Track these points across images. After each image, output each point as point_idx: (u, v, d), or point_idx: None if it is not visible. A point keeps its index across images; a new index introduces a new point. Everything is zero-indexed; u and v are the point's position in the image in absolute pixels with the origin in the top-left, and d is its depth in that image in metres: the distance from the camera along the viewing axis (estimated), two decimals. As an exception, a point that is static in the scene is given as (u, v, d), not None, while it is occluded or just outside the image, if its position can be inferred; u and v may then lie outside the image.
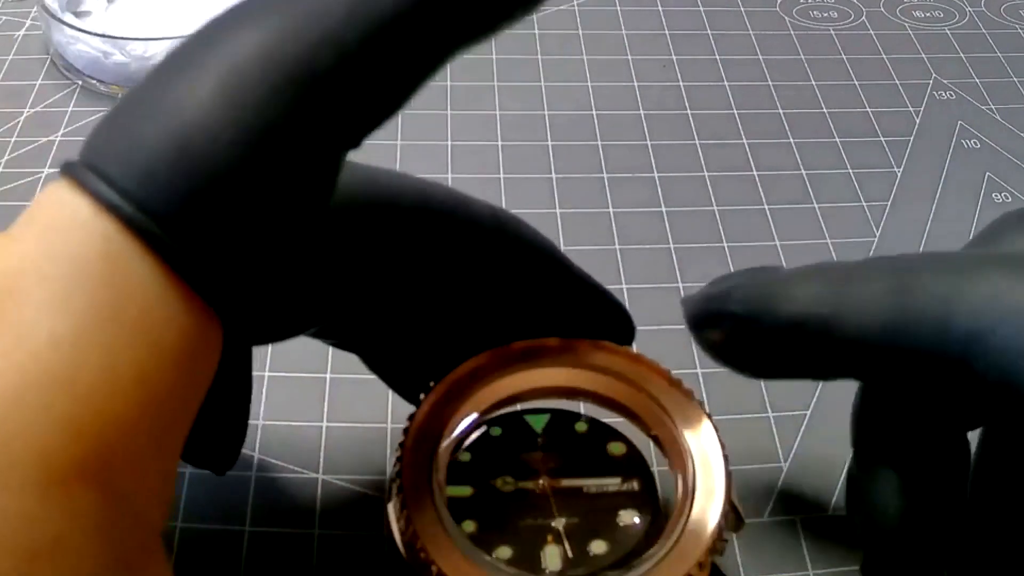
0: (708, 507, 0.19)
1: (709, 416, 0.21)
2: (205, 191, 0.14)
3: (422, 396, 0.21)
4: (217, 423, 0.22)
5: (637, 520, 0.20)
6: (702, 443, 0.21)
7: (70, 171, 0.14)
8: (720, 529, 0.19)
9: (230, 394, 0.22)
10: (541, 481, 0.21)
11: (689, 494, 0.20)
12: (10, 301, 0.13)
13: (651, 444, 0.22)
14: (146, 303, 0.14)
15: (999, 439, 0.22)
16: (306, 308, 0.21)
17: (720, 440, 0.21)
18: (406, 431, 0.20)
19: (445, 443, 0.21)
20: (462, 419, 0.21)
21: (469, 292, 0.22)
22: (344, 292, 0.21)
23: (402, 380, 0.24)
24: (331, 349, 0.28)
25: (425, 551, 0.18)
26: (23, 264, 0.14)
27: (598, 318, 0.23)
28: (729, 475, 0.20)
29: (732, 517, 0.20)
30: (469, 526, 0.20)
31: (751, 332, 0.20)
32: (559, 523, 0.20)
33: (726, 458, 0.20)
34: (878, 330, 0.19)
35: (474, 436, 0.22)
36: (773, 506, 0.26)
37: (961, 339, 0.18)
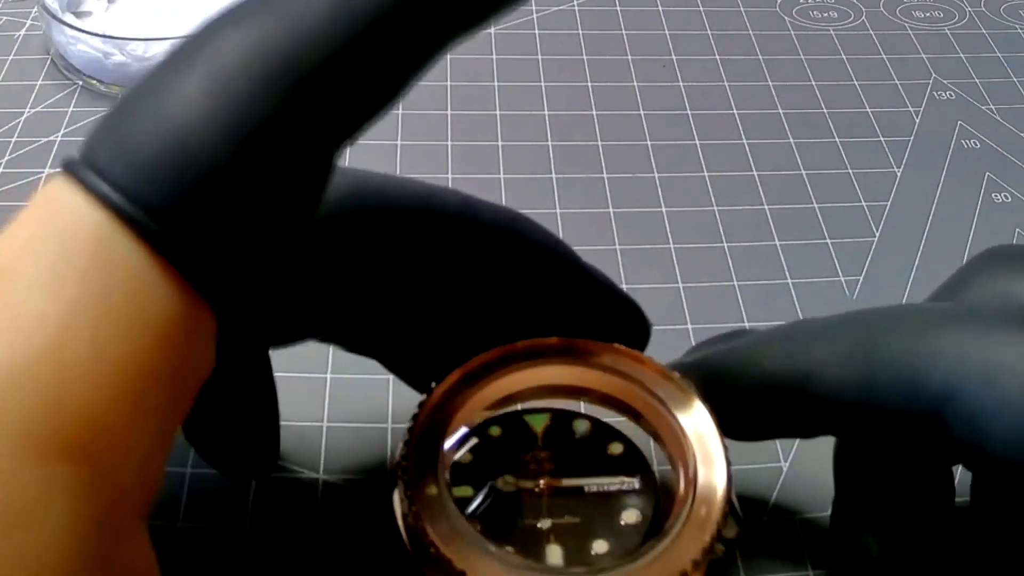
0: (708, 506, 0.19)
1: (713, 416, 0.21)
2: (194, 185, 0.15)
3: (433, 385, 0.21)
4: (245, 427, 0.22)
5: (637, 519, 0.20)
6: (705, 442, 0.20)
7: (67, 168, 0.15)
8: (718, 529, 0.19)
9: (253, 398, 0.22)
10: (541, 481, 0.21)
11: (690, 492, 0.20)
12: (4, 282, 0.14)
13: (651, 443, 0.22)
14: (134, 288, 0.14)
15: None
16: (311, 310, 0.21)
17: (723, 440, 0.20)
18: (414, 418, 0.20)
19: (449, 436, 0.20)
20: (466, 415, 0.21)
21: (477, 292, 0.22)
22: (348, 295, 0.21)
23: (412, 373, 0.24)
24: (332, 348, 0.28)
25: (426, 534, 0.18)
26: (19, 250, 0.14)
27: (612, 318, 0.23)
28: (730, 476, 0.20)
29: (731, 520, 0.20)
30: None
31: (727, 399, 0.21)
32: (560, 523, 0.20)
33: (727, 458, 0.20)
34: (850, 390, 0.19)
35: (474, 438, 0.22)
36: (773, 506, 0.26)
37: (931, 400, 0.18)
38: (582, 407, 0.23)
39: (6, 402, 0.13)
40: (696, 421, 0.21)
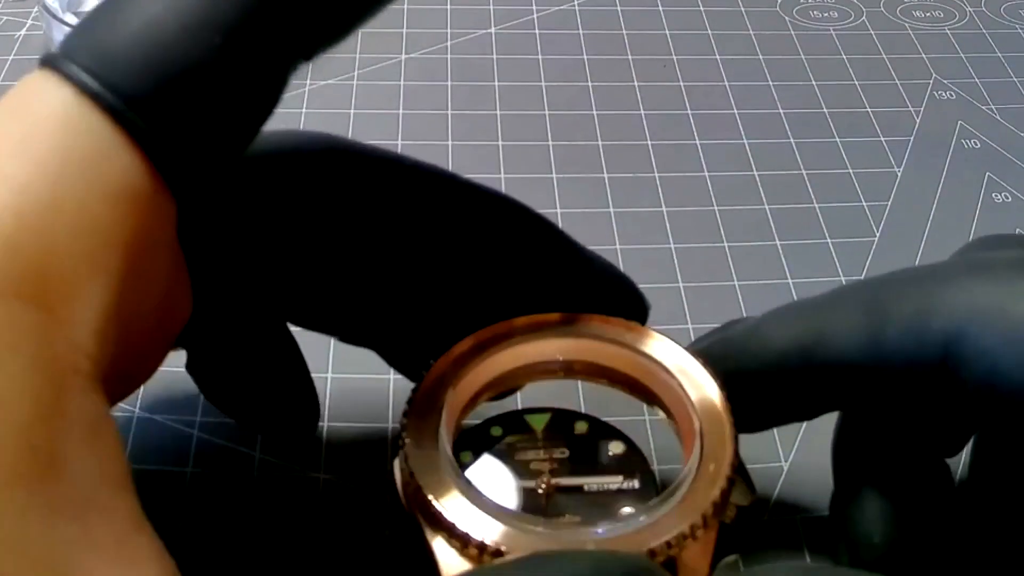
0: (716, 463, 0.19)
1: (717, 380, 0.21)
2: (158, 72, 0.16)
3: (426, 370, 0.21)
4: (279, 392, 0.23)
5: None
6: (709, 405, 0.20)
7: (42, 60, 0.16)
8: (727, 487, 0.19)
9: (280, 362, 0.23)
10: (541, 481, 0.21)
11: (697, 454, 0.20)
12: None
13: (650, 442, 0.22)
14: (94, 153, 0.15)
15: (989, 448, 0.22)
16: (308, 291, 0.22)
17: (725, 401, 0.20)
18: (416, 387, 0.20)
19: (449, 408, 0.20)
20: (468, 386, 0.21)
21: (469, 269, 0.22)
22: (341, 271, 0.21)
23: (407, 361, 0.24)
24: (332, 349, 0.28)
25: (423, 493, 0.18)
26: None
27: (608, 295, 0.23)
28: (736, 438, 0.20)
29: (742, 486, 0.20)
30: None
31: (733, 384, 0.21)
32: (560, 522, 0.20)
33: (733, 423, 0.20)
34: (857, 351, 0.19)
35: (474, 437, 0.22)
36: (773, 505, 0.26)
37: (939, 345, 0.18)
38: (583, 407, 0.23)
39: None
40: (699, 385, 0.21)
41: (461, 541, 0.18)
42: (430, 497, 0.18)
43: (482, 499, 0.19)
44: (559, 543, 0.18)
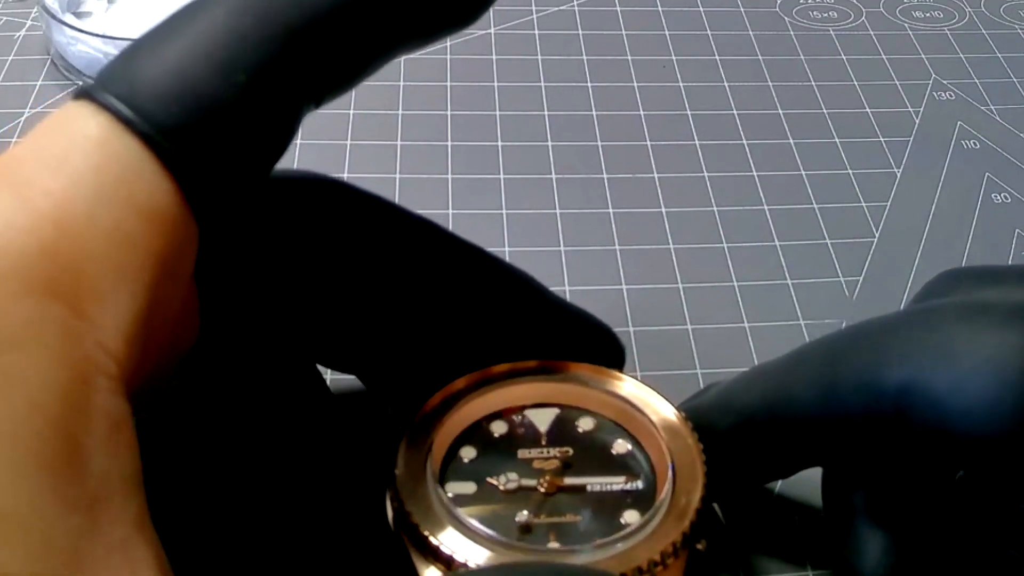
0: (687, 497, 0.20)
1: (687, 422, 0.21)
2: (187, 106, 0.17)
3: (418, 409, 0.22)
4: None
5: (638, 520, 0.20)
6: (680, 443, 0.21)
7: (77, 92, 0.17)
8: (697, 519, 0.20)
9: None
10: (544, 479, 0.21)
11: (669, 488, 0.20)
12: (16, 168, 0.16)
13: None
14: (129, 173, 0.16)
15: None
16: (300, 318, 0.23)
17: (697, 441, 0.21)
18: (406, 424, 0.21)
19: (437, 445, 0.21)
20: (455, 425, 0.22)
21: (455, 308, 0.23)
22: (334, 306, 0.22)
23: (390, 393, 0.25)
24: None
25: (412, 520, 0.19)
26: (29, 149, 0.17)
27: (586, 342, 0.24)
28: (705, 475, 0.20)
29: (710, 519, 0.21)
30: None
31: (709, 448, 0.21)
32: (561, 521, 0.20)
33: (704, 461, 0.21)
34: (816, 407, 0.20)
35: (477, 434, 0.22)
36: (773, 506, 0.26)
37: (892, 397, 0.19)
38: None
39: (8, 246, 0.15)
40: (670, 424, 0.21)
41: (447, 565, 0.19)
42: (425, 532, 0.19)
43: (469, 527, 0.19)
44: None
